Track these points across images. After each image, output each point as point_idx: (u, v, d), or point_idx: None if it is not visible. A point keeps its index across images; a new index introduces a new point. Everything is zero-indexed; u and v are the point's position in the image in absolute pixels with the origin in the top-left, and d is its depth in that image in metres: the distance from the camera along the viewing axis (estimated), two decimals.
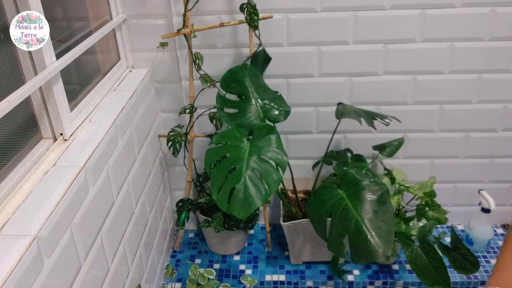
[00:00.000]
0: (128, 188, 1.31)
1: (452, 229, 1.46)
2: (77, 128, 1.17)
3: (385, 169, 1.69)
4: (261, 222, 1.93)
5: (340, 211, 1.27)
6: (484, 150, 1.76)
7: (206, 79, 1.48)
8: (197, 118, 1.67)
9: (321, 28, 1.54)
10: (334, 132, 1.55)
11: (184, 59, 1.60)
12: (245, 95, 1.44)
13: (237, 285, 1.65)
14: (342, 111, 1.45)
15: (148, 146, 1.54)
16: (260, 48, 1.56)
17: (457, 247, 1.43)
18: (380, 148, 1.66)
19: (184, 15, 1.45)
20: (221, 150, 1.29)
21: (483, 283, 1.64)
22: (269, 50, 1.58)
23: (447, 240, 1.75)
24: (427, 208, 1.55)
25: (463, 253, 1.42)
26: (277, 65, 1.61)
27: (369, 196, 1.26)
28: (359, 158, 1.60)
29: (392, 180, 1.66)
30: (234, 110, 1.42)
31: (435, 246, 1.44)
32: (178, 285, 1.66)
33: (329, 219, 1.30)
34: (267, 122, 1.42)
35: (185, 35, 1.48)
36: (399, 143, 1.65)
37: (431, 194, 1.57)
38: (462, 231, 1.88)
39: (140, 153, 1.45)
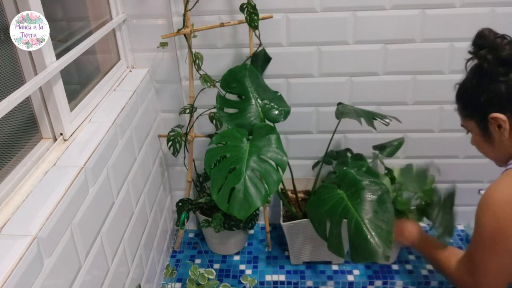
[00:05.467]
0: (128, 188, 1.31)
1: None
2: (77, 128, 1.17)
3: (386, 168, 1.69)
4: (261, 222, 1.93)
5: (340, 211, 1.27)
6: None
7: (206, 79, 1.48)
8: (197, 118, 1.67)
9: (321, 28, 1.54)
10: (334, 132, 1.55)
11: (184, 59, 1.60)
12: (245, 95, 1.44)
13: (237, 285, 1.65)
14: (342, 111, 1.45)
15: (148, 146, 1.54)
16: (260, 48, 1.56)
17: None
18: (380, 148, 1.66)
19: (184, 15, 1.45)
20: (221, 150, 1.29)
21: None
22: (269, 50, 1.58)
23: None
24: None
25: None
26: (277, 65, 1.61)
27: (369, 196, 1.26)
28: (359, 157, 1.60)
29: (392, 180, 1.66)
30: (234, 110, 1.42)
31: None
32: (178, 285, 1.66)
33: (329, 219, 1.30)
34: (267, 122, 1.42)
35: (185, 35, 1.48)
36: (399, 143, 1.65)
37: (431, 193, 1.57)
38: (462, 231, 1.88)
39: (140, 153, 1.45)
